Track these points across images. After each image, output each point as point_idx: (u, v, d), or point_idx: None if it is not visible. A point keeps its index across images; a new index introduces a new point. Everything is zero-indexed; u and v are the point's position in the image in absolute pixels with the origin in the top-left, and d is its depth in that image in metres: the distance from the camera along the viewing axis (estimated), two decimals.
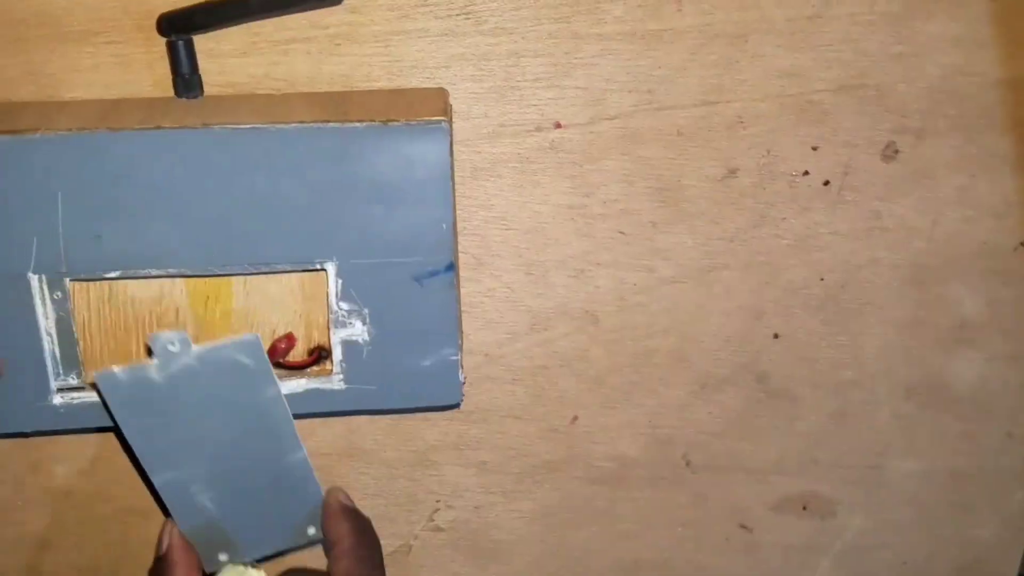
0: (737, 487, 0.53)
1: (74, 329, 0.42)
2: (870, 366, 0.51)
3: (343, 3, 0.42)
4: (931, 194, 0.48)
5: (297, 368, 0.44)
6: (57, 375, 0.42)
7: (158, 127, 0.39)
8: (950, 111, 0.47)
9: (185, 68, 0.42)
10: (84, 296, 0.42)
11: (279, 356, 0.43)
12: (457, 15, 0.44)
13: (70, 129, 0.39)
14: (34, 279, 0.40)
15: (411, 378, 0.43)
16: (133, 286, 0.42)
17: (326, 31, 0.43)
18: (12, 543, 0.50)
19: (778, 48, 0.45)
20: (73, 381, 0.42)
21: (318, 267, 0.41)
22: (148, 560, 0.50)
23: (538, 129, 0.46)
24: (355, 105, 0.41)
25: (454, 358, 0.43)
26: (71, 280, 0.41)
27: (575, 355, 0.49)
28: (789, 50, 0.45)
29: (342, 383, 0.43)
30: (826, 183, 0.47)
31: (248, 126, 0.39)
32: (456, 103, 0.45)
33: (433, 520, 0.52)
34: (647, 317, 0.49)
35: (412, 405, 0.45)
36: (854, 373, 0.51)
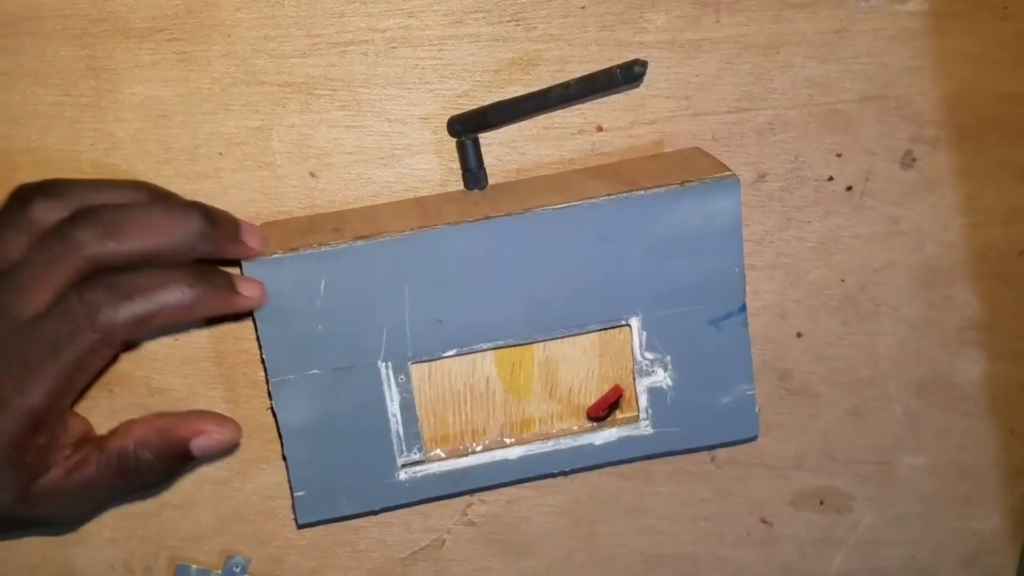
0: (758, 482, 0.54)
1: (416, 407, 0.45)
2: (884, 365, 0.53)
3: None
4: (944, 201, 0.51)
5: (599, 419, 0.48)
6: (401, 452, 0.45)
7: (486, 217, 0.43)
8: (963, 122, 0.50)
9: (473, 164, 0.46)
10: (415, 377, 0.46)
11: (609, 406, 0.47)
12: (508, 21, 0.46)
13: (411, 229, 0.43)
14: (383, 366, 0.44)
15: (712, 416, 0.47)
16: (450, 363, 0.46)
17: (383, 34, 0.45)
18: (45, 538, 0.50)
19: (808, 59, 0.48)
20: (416, 456, 0.46)
21: (623, 323, 0.45)
22: (183, 557, 0.51)
23: (580, 132, 0.48)
24: (633, 171, 0.45)
25: (751, 392, 0.47)
26: (412, 363, 0.44)
27: None
28: (818, 61, 0.48)
29: (649, 428, 0.47)
30: (849, 188, 0.50)
31: (564, 206, 0.43)
32: None
33: (467, 515, 0.53)
34: None
35: (714, 442, 0.49)
36: (870, 371, 0.53)
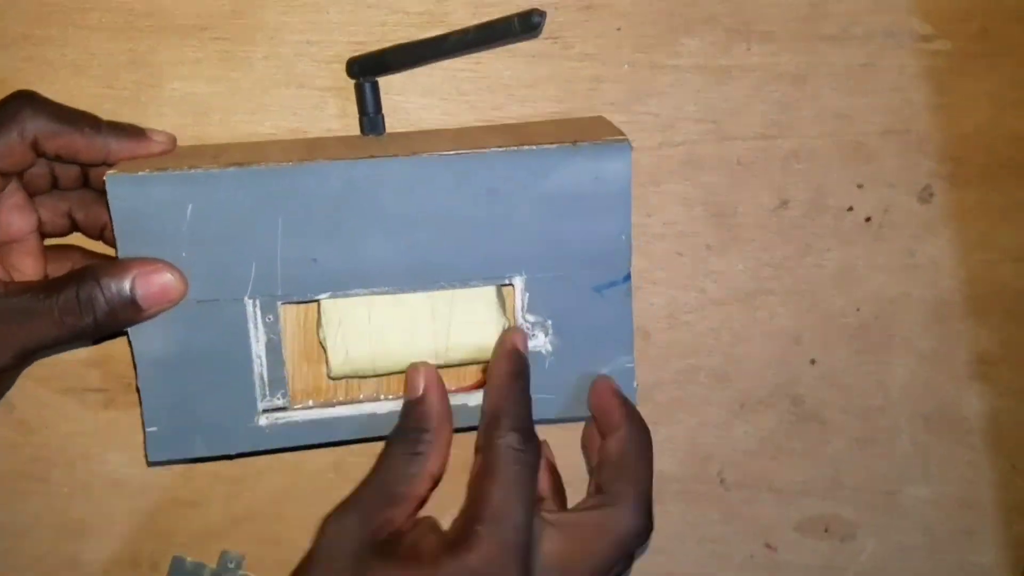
0: (765, 506, 0.55)
1: (283, 351, 0.43)
2: (894, 394, 0.54)
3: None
4: (959, 236, 0.52)
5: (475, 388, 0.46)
6: (264, 396, 0.43)
7: (372, 156, 0.41)
8: (981, 160, 0.51)
9: (371, 108, 0.45)
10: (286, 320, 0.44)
11: None
12: (545, 39, 0.47)
13: (290, 160, 0.41)
14: (249, 303, 0.42)
15: (589, 386, 0.45)
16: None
17: None
18: (53, 529, 0.50)
19: (834, 91, 0.49)
20: (279, 402, 0.43)
21: (507, 282, 0.43)
22: (194, 552, 0.51)
23: None
24: (533, 131, 0.44)
25: (630, 365, 0.45)
26: (282, 303, 0.42)
27: None
28: (844, 94, 0.49)
29: None
30: (868, 219, 0.51)
31: (453, 153, 0.41)
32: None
33: None
34: (694, 336, 0.52)
35: (589, 414, 0.47)
36: (880, 401, 0.54)
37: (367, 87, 0.44)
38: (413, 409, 0.42)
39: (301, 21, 0.45)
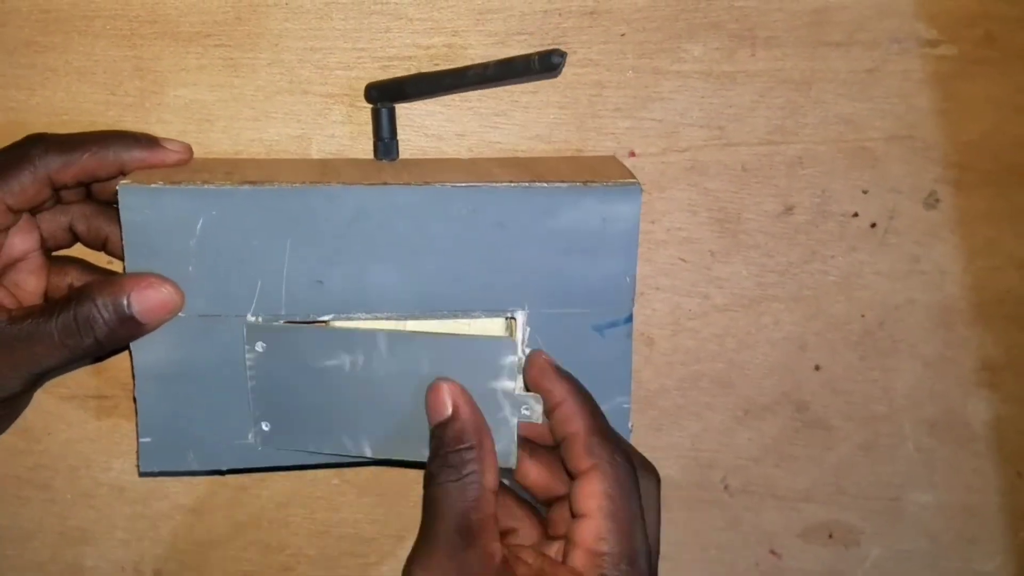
0: (769, 513, 0.55)
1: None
2: (899, 401, 0.54)
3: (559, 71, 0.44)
4: (965, 242, 0.52)
5: None
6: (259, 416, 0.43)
7: (383, 183, 0.41)
8: (986, 166, 0.51)
9: (386, 133, 0.45)
10: None
11: None
12: (549, 44, 0.46)
13: (303, 182, 0.41)
14: (251, 321, 0.42)
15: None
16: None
17: (427, 51, 0.46)
18: (55, 536, 0.50)
19: (839, 97, 0.49)
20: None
21: (510, 315, 0.44)
22: (195, 560, 0.51)
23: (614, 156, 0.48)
24: (544, 168, 0.44)
25: (626, 406, 0.45)
26: (286, 323, 0.42)
27: None
28: (849, 99, 0.49)
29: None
30: (873, 225, 0.51)
31: (465, 185, 0.41)
32: (539, 128, 0.47)
33: None
34: (698, 342, 0.51)
35: None
36: (884, 407, 0.54)
37: (384, 112, 0.45)
38: (447, 429, 0.39)
39: (304, 28, 0.45)
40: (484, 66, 0.43)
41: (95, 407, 0.49)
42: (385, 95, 0.45)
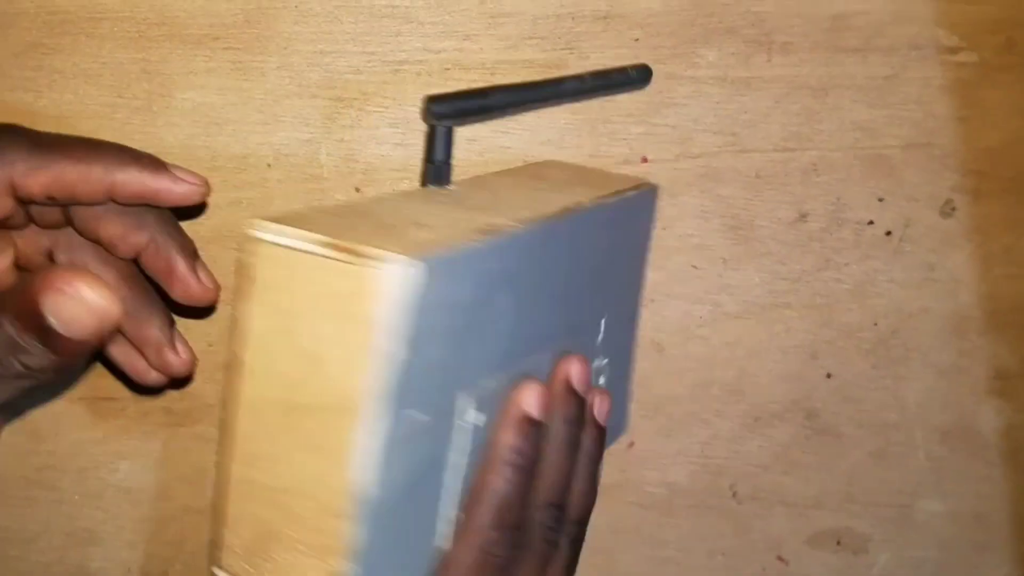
0: (777, 519, 0.54)
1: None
2: (911, 409, 0.53)
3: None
4: (980, 251, 0.51)
5: None
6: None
7: (543, 216, 0.35)
8: (1004, 174, 0.50)
9: (441, 155, 0.38)
10: None
11: None
12: (562, 49, 0.46)
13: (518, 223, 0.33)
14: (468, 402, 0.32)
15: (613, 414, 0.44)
16: None
17: (438, 56, 0.45)
18: (62, 537, 0.50)
19: (855, 103, 0.48)
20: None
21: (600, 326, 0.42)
22: (202, 562, 0.51)
23: (626, 162, 0.48)
24: (564, 179, 0.42)
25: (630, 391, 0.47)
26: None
27: (638, 382, 0.51)
28: (866, 106, 0.48)
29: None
30: (888, 233, 0.50)
31: (592, 205, 0.38)
32: (551, 133, 0.47)
33: None
34: (709, 350, 0.51)
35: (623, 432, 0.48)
36: (896, 415, 0.53)
37: (441, 131, 0.38)
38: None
39: (314, 31, 0.44)
40: (579, 77, 0.42)
41: (103, 409, 0.49)
42: (456, 112, 0.38)
